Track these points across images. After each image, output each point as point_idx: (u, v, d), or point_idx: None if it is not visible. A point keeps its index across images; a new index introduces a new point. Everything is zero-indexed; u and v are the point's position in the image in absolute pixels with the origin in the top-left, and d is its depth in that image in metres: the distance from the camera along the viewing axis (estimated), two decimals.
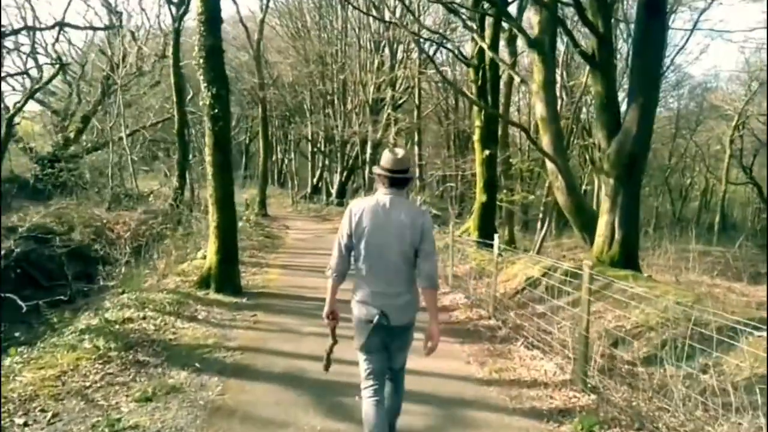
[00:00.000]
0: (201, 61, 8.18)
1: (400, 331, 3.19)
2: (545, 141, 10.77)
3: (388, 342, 3.21)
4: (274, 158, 41.15)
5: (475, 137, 15.39)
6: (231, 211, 8.20)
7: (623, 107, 10.53)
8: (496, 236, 9.35)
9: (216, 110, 7.97)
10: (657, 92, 9.21)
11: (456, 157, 25.92)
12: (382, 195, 3.17)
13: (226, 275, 7.94)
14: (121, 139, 23.03)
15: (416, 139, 22.39)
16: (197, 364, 5.06)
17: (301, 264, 11.31)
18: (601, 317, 7.02)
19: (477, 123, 15.23)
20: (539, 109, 10.77)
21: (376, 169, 3.25)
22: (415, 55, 22.85)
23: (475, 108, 15.34)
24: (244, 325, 6.50)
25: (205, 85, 8.22)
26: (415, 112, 22.18)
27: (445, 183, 24.92)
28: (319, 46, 25.94)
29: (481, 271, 11.58)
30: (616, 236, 9.45)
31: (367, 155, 24.55)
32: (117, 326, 5.91)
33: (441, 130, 34.55)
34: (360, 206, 3.19)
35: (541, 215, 15.62)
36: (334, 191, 28.85)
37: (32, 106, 23.19)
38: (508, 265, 11.46)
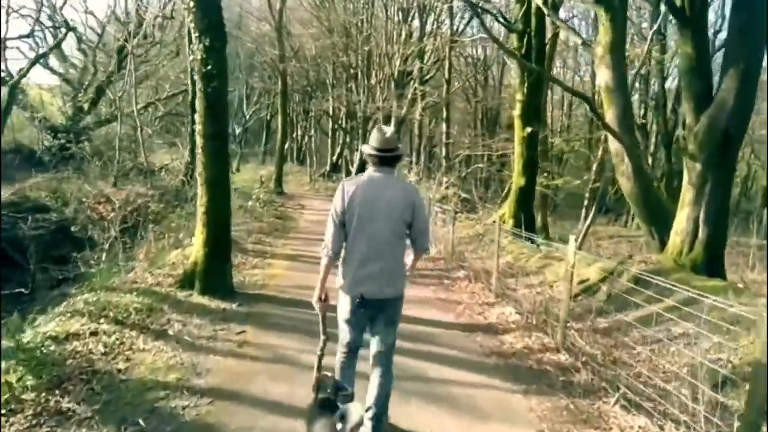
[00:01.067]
0: (191, 3, 6.33)
1: (389, 303, 3.16)
2: (609, 115, 8.74)
3: (374, 316, 3.17)
4: (294, 135, 39.38)
5: (516, 112, 13.34)
6: (224, 194, 6.44)
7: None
8: (540, 237, 7.43)
9: (209, 66, 6.12)
10: (763, 55, 7.08)
11: (483, 137, 23.83)
12: (372, 173, 3.17)
13: (214, 273, 6.22)
14: (133, 112, 21.54)
15: (444, 115, 20.32)
16: (140, 422, 3.33)
17: (313, 255, 9.48)
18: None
19: (518, 96, 13.16)
20: (604, 77, 8.71)
21: (365, 149, 3.21)
22: (446, 26, 20.71)
23: (515, 80, 13.26)
24: (226, 348, 4.77)
25: (197, 35, 6.34)
26: (444, 87, 20.07)
27: (470, 164, 22.86)
28: (344, 15, 23.80)
29: (521, 268, 9.74)
30: (700, 235, 7.48)
31: None
32: (52, 347, 4.21)
33: (468, 108, 32.36)
34: (352, 183, 3.15)
35: (586, 202, 13.55)
36: (354, 169, 26.98)
37: (51, 79, 21.71)
38: (552, 262, 9.56)
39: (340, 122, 29.66)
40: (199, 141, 5.99)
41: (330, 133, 31.54)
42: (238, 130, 39.18)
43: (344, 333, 3.25)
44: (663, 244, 9.01)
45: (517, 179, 13.21)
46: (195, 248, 6.35)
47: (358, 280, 3.08)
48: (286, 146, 42.34)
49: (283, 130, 23.52)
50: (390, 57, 21.68)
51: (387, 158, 3.16)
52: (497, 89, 33.87)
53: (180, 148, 19.26)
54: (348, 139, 29.82)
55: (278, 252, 9.33)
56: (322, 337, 3.21)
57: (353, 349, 3.28)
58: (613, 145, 8.93)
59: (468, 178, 21.45)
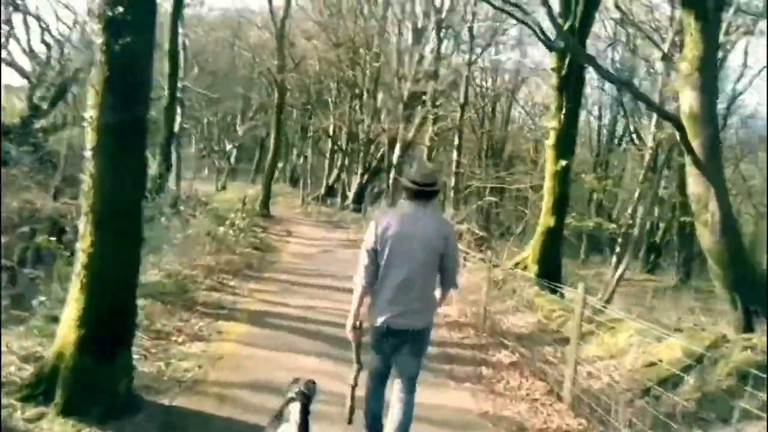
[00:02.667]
0: None
1: (416, 335, 3.14)
2: (694, 147, 6.58)
3: (401, 346, 3.14)
4: (288, 154, 37.29)
5: (549, 142, 11.22)
6: (127, 233, 3.58)
7: None
8: (580, 286, 5.22)
9: (118, 7, 3.34)
10: None
11: (487, 170, 21.80)
12: (407, 206, 3.18)
13: (91, 373, 3.39)
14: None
15: (456, 142, 18.27)
16: None
17: (293, 310, 7.09)
18: None
19: (552, 124, 11.05)
20: (689, 100, 6.58)
21: (403, 181, 3.22)
22: (465, 44, 18.76)
23: (553, 104, 11.17)
24: None
25: None
26: (458, 112, 18.06)
27: (481, 197, 20.71)
28: (353, 27, 21.91)
29: (554, 332, 7.51)
30: None
31: (395, 157, 20.47)
32: None
33: (474, 138, 30.44)
34: (386, 216, 3.20)
35: (618, 248, 11.37)
36: (351, 194, 24.83)
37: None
38: (601, 330, 7.31)
39: (339, 143, 27.62)
40: (89, 138, 3.33)
41: (328, 155, 29.43)
42: (228, 147, 37.15)
43: (374, 362, 3.25)
44: (749, 320, 6.81)
45: (545, 218, 11.00)
46: (62, 328, 3.53)
47: (386, 311, 3.08)
48: (279, 165, 40.39)
49: (275, 146, 21.39)
50: (400, 77, 19.76)
51: (425, 192, 3.15)
52: (505, 121, 32.23)
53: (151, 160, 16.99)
54: (347, 162, 27.72)
55: (242, 305, 6.89)
56: (355, 366, 3.18)
57: (380, 379, 3.28)
58: (696, 186, 6.74)
59: (481, 212, 19.25)
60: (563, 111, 10.76)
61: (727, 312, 13.40)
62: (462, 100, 17.85)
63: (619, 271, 10.52)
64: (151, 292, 6.45)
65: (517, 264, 11.28)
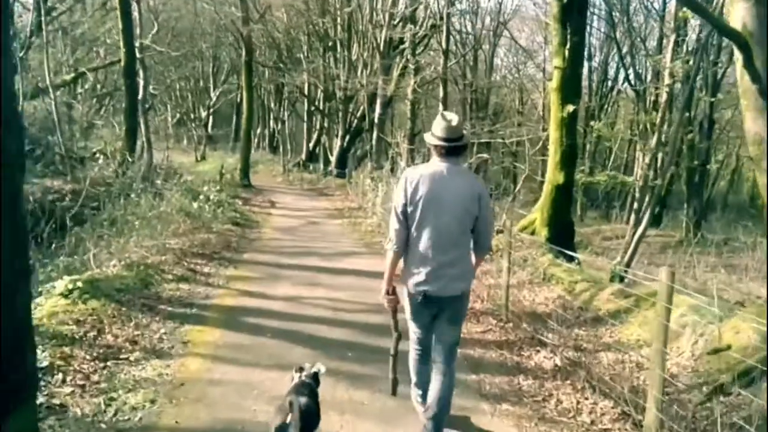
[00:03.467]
0: None
1: (453, 301, 2.99)
2: (748, 74, 5.41)
3: (438, 313, 3.01)
4: (266, 118, 35.41)
5: (552, 84, 9.96)
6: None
7: None
8: (664, 271, 4.01)
9: None
10: None
11: (476, 124, 20.48)
12: (438, 163, 2.94)
13: None
14: (61, 85, 17.56)
15: (441, 95, 16.88)
16: None
17: (277, 304, 5.90)
18: None
19: (556, 62, 9.77)
20: (742, 13, 5.34)
21: (429, 139, 3.00)
22: None
23: (554, 39, 9.85)
24: None
25: None
26: (441, 60, 16.59)
27: (472, 155, 19.44)
28: None
29: (580, 310, 6.55)
30: None
31: (376, 115, 19.03)
32: None
33: (457, 90, 28.87)
34: (416, 174, 2.94)
35: (636, 205, 10.34)
36: (333, 159, 23.41)
37: None
38: (641, 306, 6.36)
39: (317, 104, 25.95)
40: None
41: (305, 117, 27.75)
42: (203, 113, 35.13)
43: (413, 332, 3.14)
44: None
45: (552, 174, 9.86)
46: None
47: (422, 278, 2.92)
48: (258, 132, 38.51)
49: (248, 110, 19.78)
50: (375, 24, 18.09)
51: (454, 148, 2.93)
52: (488, 71, 30.63)
53: (117, 130, 15.44)
54: (326, 124, 26.13)
55: (215, 300, 5.69)
56: (395, 335, 3.15)
57: (425, 348, 3.14)
58: (752, 124, 5.59)
59: (475, 171, 18.02)
60: (568, 46, 9.48)
61: (751, 268, 12.60)
62: (444, 46, 16.37)
63: (640, 230, 9.49)
64: (106, 291, 5.27)
65: (524, 228, 10.22)
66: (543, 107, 28.31)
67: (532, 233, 10.06)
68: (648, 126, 15.28)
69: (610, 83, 26.67)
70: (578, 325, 6.16)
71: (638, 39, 20.80)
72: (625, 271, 9.85)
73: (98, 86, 23.80)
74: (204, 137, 31.51)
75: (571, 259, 8.32)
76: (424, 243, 2.90)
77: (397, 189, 2.99)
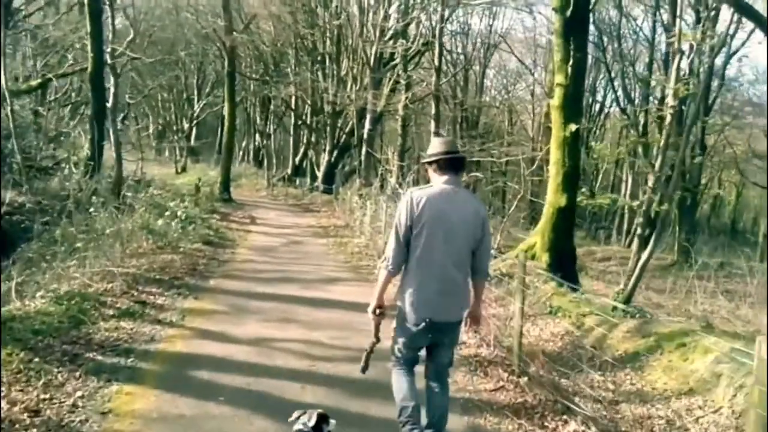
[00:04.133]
0: None
1: (450, 327, 2.91)
2: None
3: (435, 338, 2.89)
4: (251, 131, 34.28)
5: (554, 102, 9.08)
6: None
7: None
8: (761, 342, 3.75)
9: None
10: None
11: (464, 143, 19.61)
12: (441, 184, 2.82)
13: None
14: (25, 92, 16.32)
15: (433, 112, 16.00)
16: None
17: (239, 351, 4.76)
18: None
19: (558, 79, 8.92)
20: None
21: (426, 159, 2.91)
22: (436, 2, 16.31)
23: (557, 55, 8.99)
24: None
25: None
26: (434, 77, 15.74)
27: (470, 171, 18.51)
28: None
29: (593, 348, 5.63)
30: None
31: (365, 131, 18.07)
32: None
33: (447, 109, 28.16)
34: (422, 194, 2.80)
35: (638, 229, 9.46)
36: (320, 174, 22.35)
37: None
38: (665, 346, 5.43)
39: (304, 118, 24.93)
40: None
41: (292, 131, 26.69)
42: (186, 125, 33.88)
43: (400, 352, 2.96)
44: None
45: (554, 197, 8.93)
46: None
47: (428, 303, 2.78)
48: (243, 145, 37.31)
49: (230, 122, 18.72)
50: (365, 38, 17.22)
51: (455, 160, 2.85)
52: (478, 90, 30.09)
53: (83, 138, 14.20)
54: (313, 138, 25.09)
55: (161, 345, 4.52)
56: (373, 339, 2.98)
57: (411, 365, 2.99)
58: None
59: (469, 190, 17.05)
60: (571, 62, 8.64)
61: (749, 293, 11.81)
62: (437, 62, 15.53)
63: (644, 257, 8.56)
64: (19, 334, 4.13)
65: (523, 252, 9.24)
66: (533, 128, 27.82)
67: (532, 258, 9.10)
68: (639, 148, 14.62)
69: (598, 106, 26.22)
70: (593, 368, 5.20)
71: (627, 63, 20.39)
72: (627, 302, 8.95)
73: (72, 94, 22.57)
74: (185, 149, 30.21)
75: (573, 287, 7.39)
76: (429, 267, 2.77)
77: (401, 208, 2.84)
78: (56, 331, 4.43)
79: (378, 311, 2.89)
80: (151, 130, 38.11)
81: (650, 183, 9.34)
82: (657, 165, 9.34)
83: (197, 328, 5.06)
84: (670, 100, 9.33)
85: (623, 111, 17.70)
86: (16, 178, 11.84)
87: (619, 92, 18.84)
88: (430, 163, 2.86)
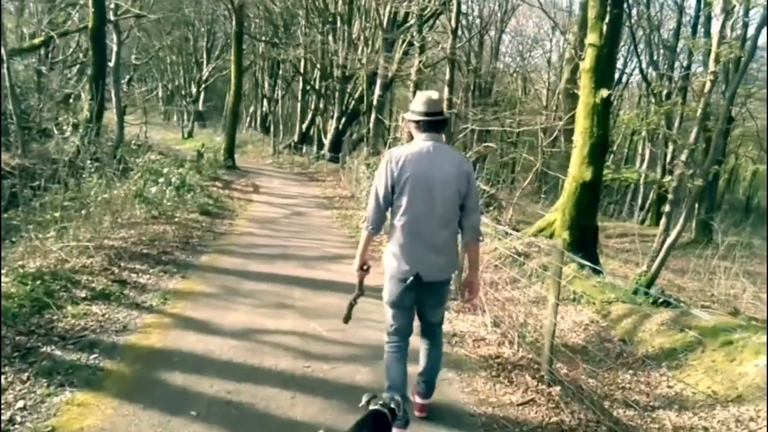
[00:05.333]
0: None
1: (438, 287, 2.86)
2: None
3: (423, 298, 2.86)
4: (259, 96, 33.21)
5: (585, 64, 8.10)
6: None
7: None
8: None
9: None
10: None
11: (478, 111, 18.56)
12: (422, 141, 2.76)
13: None
14: (27, 50, 15.46)
15: (447, 77, 14.96)
16: None
17: (224, 345, 4.12)
18: None
19: (592, 38, 7.92)
20: None
21: (408, 115, 2.86)
22: None
23: (592, 11, 7.97)
24: None
25: None
26: (450, 40, 14.62)
27: (466, 146, 17.58)
28: None
29: (622, 342, 4.96)
30: None
31: (375, 96, 17.09)
32: None
33: (461, 76, 26.86)
34: (400, 154, 2.73)
35: (666, 207, 8.65)
36: (327, 142, 21.46)
37: None
38: (709, 345, 4.69)
39: (312, 83, 23.86)
40: None
41: (300, 96, 25.64)
42: (194, 89, 32.84)
43: (393, 318, 2.91)
44: None
45: (578, 170, 8.06)
46: None
47: (414, 261, 2.72)
48: (251, 111, 36.27)
49: (237, 86, 17.76)
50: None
51: (436, 122, 2.78)
52: (494, 57, 28.67)
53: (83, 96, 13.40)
54: (322, 104, 24.07)
55: (135, 336, 3.86)
56: (357, 292, 3.01)
57: (404, 337, 2.93)
58: None
59: (482, 162, 16.21)
60: (607, 19, 7.64)
61: None
62: (453, 24, 14.40)
63: (672, 237, 7.78)
64: None
65: (541, 230, 8.46)
66: (548, 96, 26.54)
67: (551, 236, 8.33)
68: (662, 120, 13.52)
69: (617, 74, 24.74)
70: (623, 366, 4.53)
71: (652, 28, 19.00)
72: (650, 285, 8.19)
73: (80, 54, 21.64)
74: (193, 114, 29.28)
75: (595, 270, 6.66)
76: (414, 225, 2.71)
77: (380, 169, 2.77)
78: (14, 318, 3.76)
79: (364, 267, 2.90)
80: (159, 94, 37.15)
81: (683, 157, 8.47)
82: (692, 137, 8.45)
83: (179, 315, 4.37)
84: (711, 66, 8.35)
85: (645, 79, 16.51)
86: (10, 140, 11.16)
87: (643, 59, 17.58)
88: (412, 121, 2.79)
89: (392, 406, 2.38)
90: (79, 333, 3.81)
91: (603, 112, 7.95)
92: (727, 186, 34.42)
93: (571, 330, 5.30)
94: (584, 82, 8.18)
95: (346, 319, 3.09)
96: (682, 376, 4.29)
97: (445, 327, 4.45)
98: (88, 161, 9.04)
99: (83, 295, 4.53)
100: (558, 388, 3.42)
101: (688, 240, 15.74)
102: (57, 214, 6.15)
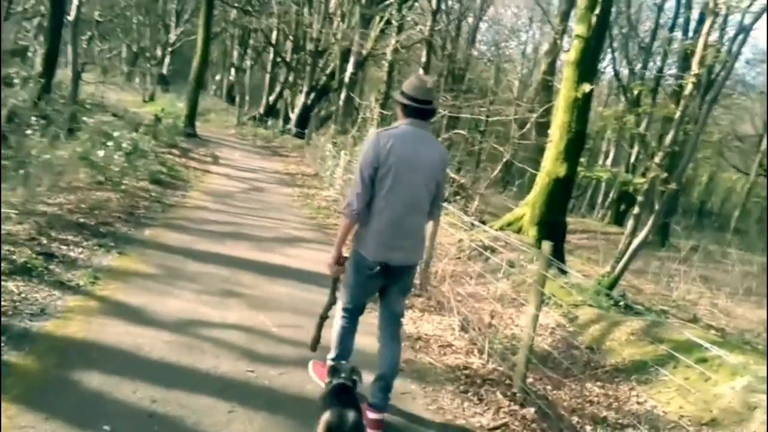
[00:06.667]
0: None
1: (407, 272, 2.78)
2: None
3: (390, 285, 2.74)
4: (226, 64, 31.78)
5: (570, 56, 7.82)
6: None
7: None
8: None
9: None
10: None
11: (451, 98, 18.16)
12: (407, 126, 2.66)
13: None
14: None
15: (423, 59, 14.45)
16: None
17: (152, 338, 3.60)
18: None
19: (580, 29, 7.63)
20: None
21: (399, 97, 2.73)
22: None
23: (582, 1, 7.61)
24: None
25: None
26: (428, 21, 14.06)
27: (451, 128, 17.18)
28: None
29: (589, 348, 4.71)
30: None
31: (347, 74, 16.40)
32: None
33: (435, 60, 26.27)
34: (388, 136, 2.63)
35: (636, 209, 8.53)
36: (294, 116, 20.63)
37: None
38: (680, 360, 4.47)
39: (283, 55, 22.83)
40: None
41: (270, 68, 24.55)
42: (159, 52, 31.02)
43: (352, 298, 2.81)
44: None
45: (552, 165, 7.80)
46: None
47: (387, 246, 2.62)
48: (217, 79, 34.71)
49: (203, 50, 16.68)
50: None
51: (424, 111, 2.67)
52: (470, 42, 28.21)
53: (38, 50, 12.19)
54: (291, 78, 23.10)
55: (49, 324, 3.21)
56: (329, 300, 2.86)
57: (359, 314, 2.89)
58: None
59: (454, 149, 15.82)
60: (597, 10, 7.32)
61: (727, 283, 11.22)
62: (434, 5, 13.85)
63: (639, 240, 7.64)
64: None
65: (508, 224, 8.19)
66: (519, 88, 26.38)
67: (518, 231, 8.07)
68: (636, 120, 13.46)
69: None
70: (590, 377, 4.28)
71: (630, 26, 18.99)
72: (613, 286, 8.07)
73: (42, 7, 19.94)
74: (156, 77, 27.67)
75: (561, 270, 6.43)
76: (392, 209, 2.61)
77: (367, 149, 2.62)
78: None
79: (341, 261, 2.73)
80: (123, 54, 35.02)
81: (657, 159, 8.30)
82: (668, 139, 8.30)
83: (108, 299, 3.78)
84: (694, 68, 8.16)
85: (617, 77, 16.47)
86: None
87: (617, 57, 17.51)
88: (401, 104, 2.68)
89: (354, 377, 2.39)
90: None
91: (583, 107, 7.70)
92: (682, 189, 35.43)
93: (537, 333, 5.02)
94: (567, 74, 7.88)
95: (314, 343, 2.85)
96: (652, 393, 4.05)
97: (409, 329, 4.06)
98: (33, 117, 8.18)
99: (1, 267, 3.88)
100: (533, 410, 3.06)
101: (650, 240, 15.93)
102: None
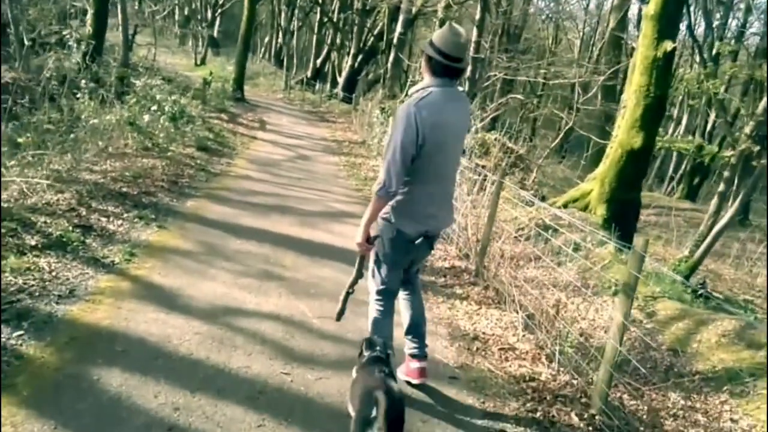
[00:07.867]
0: None
1: (436, 239, 2.67)
2: None
3: (420, 253, 2.64)
4: (275, 26, 31.28)
5: (648, 9, 6.82)
6: None
7: None
8: None
9: None
10: None
11: (507, 59, 16.97)
12: (437, 90, 2.37)
13: None
14: None
15: (477, 16, 13.43)
16: None
17: (187, 327, 3.31)
18: None
19: None
20: None
21: (427, 49, 2.41)
22: None
23: None
24: None
25: None
26: None
27: (487, 98, 16.17)
28: None
29: (672, 353, 4.03)
30: None
31: (396, 34, 15.58)
32: None
33: (490, 20, 24.71)
34: (422, 106, 2.32)
35: (722, 185, 7.58)
36: (341, 80, 20.05)
37: None
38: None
39: (330, 15, 22.09)
40: None
41: (317, 29, 23.88)
42: (209, 13, 30.87)
43: (388, 279, 2.62)
44: None
45: (627, 135, 6.95)
46: None
47: (425, 216, 2.50)
48: (266, 41, 34.32)
49: (249, 12, 16.27)
50: None
51: (455, 69, 2.37)
52: (526, 0, 26.36)
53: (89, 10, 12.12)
54: (339, 40, 22.39)
55: (76, 307, 3.01)
56: (355, 275, 2.65)
57: (394, 295, 2.71)
58: None
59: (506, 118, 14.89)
60: None
61: None
62: None
63: (724, 221, 6.79)
64: None
65: (573, 200, 7.47)
66: (581, 48, 24.52)
67: (585, 208, 7.34)
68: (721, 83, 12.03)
69: None
70: (674, 385, 3.69)
71: None
72: (692, 271, 7.27)
73: None
74: (207, 39, 27.58)
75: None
76: (430, 180, 2.45)
77: (406, 125, 2.31)
78: None
79: (370, 240, 2.53)
80: (176, 17, 35.15)
81: (747, 129, 7.29)
82: (761, 106, 7.24)
83: (142, 279, 3.52)
84: None
85: (692, 36, 14.79)
86: (9, 52, 10.10)
87: (692, 14, 15.69)
88: (429, 57, 2.39)
89: (388, 351, 2.38)
90: (12, 296, 2.99)
91: (664, 69, 6.76)
92: None
93: (606, 328, 4.44)
94: (645, 31, 6.92)
95: (339, 315, 2.69)
96: (749, 408, 3.45)
97: (465, 325, 3.60)
98: (83, 81, 8.08)
99: (34, 242, 3.69)
100: None
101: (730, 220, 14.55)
102: (30, 138, 5.26)
